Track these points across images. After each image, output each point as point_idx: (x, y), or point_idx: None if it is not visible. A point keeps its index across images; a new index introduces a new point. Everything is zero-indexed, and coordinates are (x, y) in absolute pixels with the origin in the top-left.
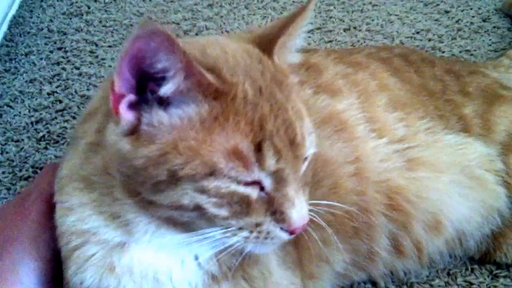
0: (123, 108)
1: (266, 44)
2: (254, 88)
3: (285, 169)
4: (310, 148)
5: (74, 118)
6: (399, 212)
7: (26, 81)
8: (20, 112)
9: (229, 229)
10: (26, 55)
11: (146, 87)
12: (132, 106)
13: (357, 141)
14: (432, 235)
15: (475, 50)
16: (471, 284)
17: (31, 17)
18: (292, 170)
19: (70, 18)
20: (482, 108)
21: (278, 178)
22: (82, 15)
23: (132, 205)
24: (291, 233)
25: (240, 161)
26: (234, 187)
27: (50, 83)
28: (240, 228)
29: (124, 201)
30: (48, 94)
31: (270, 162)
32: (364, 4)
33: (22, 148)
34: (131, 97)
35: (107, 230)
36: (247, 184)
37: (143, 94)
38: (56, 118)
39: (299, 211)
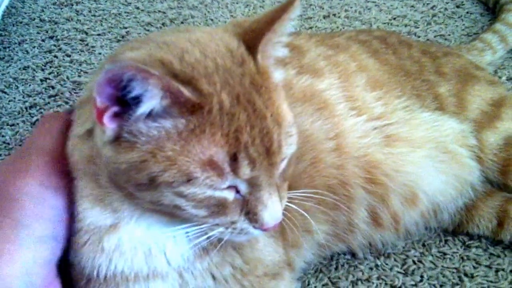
0: (106, 119)
1: (252, 40)
2: (231, 97)
3: (259, 176)
4: (288, 151)
5: (66, 103)
6: (377, 185)
7: (19, 69)
8: (14, 98)
9: (206, 225)
10: (19, 43)
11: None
12: (115, 115)
13: (338, 118)
14: (409, 207)
15: (449, 35)
16: (445, 254)
17: (23, 8)
18: (267, 176)
19: (61, 8)
20: (456, 87)
21: (253, 183)
22: (72, 5)
23: (117, 194)
24: (264, 230)
25: (215, 170)
26: (210, 192)
27: (42, 70)
28: (217, 224)
29: (109, 190)
30: (41, 80)
31: (245, 171)
32: None
33: (17, 132)
34: (114, 108)
35: (95, 213)
36: (223, 189)
37: (124, 106)
38: (49, 103)
39: (271, 213)
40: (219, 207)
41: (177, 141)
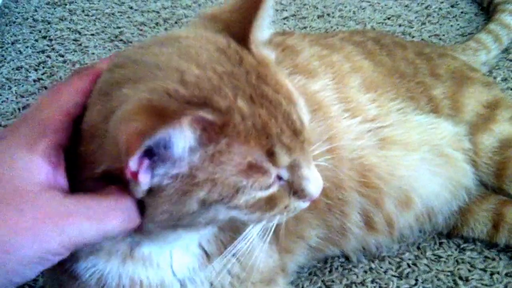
0: (142, 175)
1: (240, 32)
2: (246, 100)
3: (296, 158)
4: (307, 121)
5: None
6: (371, 189)
7: (13, 69)
8: (7, 99)
9: (264, 221)
10: (12, 43)
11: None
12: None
13: (331, 120)
14: (403, 211)
15: (443, 35)
16: (440, 257)
17: (17, 7)
18: (302, 154)
19: (54, 8)
20: (451, 89)
21: (292, 165)
22: (66, 4)
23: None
24: (313, 200)
25: (258, 172)
26: (260, 193)
27: (36, 70)
28: (273, 215)
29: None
30: (34, 81)
31: (284, 159)
32: None
33: None
34: (146, 162)
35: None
36: (270, 185)
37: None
38: None
39: (315, 183)
40: (271, 201)
41: (212, 163)
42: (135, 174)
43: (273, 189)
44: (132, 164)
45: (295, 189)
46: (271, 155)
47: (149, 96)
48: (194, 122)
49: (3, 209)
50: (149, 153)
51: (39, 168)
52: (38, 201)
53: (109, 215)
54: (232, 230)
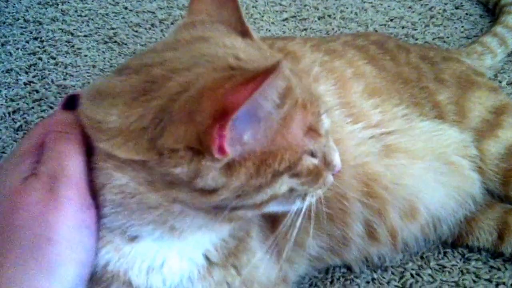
0: (228, 145)
1: (238, 27)
2: (290, 73)
3: (328, 128)
4: None
5: (51, 108)
6: (375, 199)
7: (2, 71)
8: None
9: (309, 194)
10: (2, 45)
11: None
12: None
13: (333, 125)
14: (408, 221)
15: (448, 37)
16: (444, 267)
17: (7, 7)
18: (327, 125)
19: (46, 8)
20: (456, 94)
21: (326, 133)
22: (58, 4)
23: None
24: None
25: (315, 135)
26: (314, 161)
27: (26, 73)
28: (316, 188)
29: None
30: (25, 84)
31: (325, 125)
32: None
33: (0, 138)
34: (229, 133)
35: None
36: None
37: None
38: (33, 108)
39: (338, 154)
40: (317, 171)
41: (284, 127)
42: (221, 145)
43: (318, 158)
44: (226, 130)
45: (328, 161)
46: (319, 117)
47: (217, 72)
48: (274, 86)
49: None
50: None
51: None
52: None
53: None
54: (238, 240)
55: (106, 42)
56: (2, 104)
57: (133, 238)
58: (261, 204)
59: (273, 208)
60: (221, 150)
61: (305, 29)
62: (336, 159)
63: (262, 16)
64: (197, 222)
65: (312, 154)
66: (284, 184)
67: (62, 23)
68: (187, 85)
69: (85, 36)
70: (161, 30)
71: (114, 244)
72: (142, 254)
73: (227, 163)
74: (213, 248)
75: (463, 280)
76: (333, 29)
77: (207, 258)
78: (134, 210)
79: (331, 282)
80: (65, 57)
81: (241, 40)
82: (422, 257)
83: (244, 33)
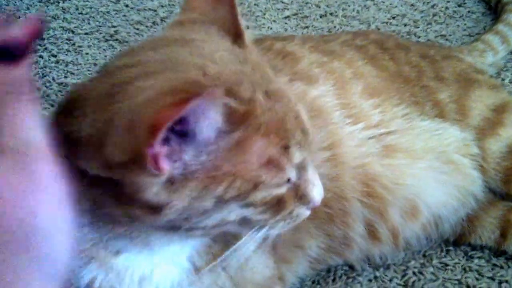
0: (163, 162)
1: (231, 29)
2: (262, 94)
3: (305, 157)
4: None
5: (52, 106)
6: (375, 199)
7: None
8: None
9: (266, 227)
10: None
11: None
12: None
13: (333, 126)
14: (409, 221)
15: (450, 35)
16: (446, 265)
17: (8, 5)
18: (309, 155)
19: (47, 6)
20: (457, 93)
21: (301, 166)
22: (59, 2)
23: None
24: (314, 208)
25: (277, 167)
26: (276, 191)
27: None
28: (277, 221)
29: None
30: None
31: (297, 155)
32: None
33: None
34: (165, 148)
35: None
36: (283, 183)
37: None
38: None
39: (318, 189)
40: (280, 203)
41: (235, 155)
42: (156, 160)
43: (284, 189)
44: (156, 144)
45: (300, 193)
46: (286, 150)
47: (173, 83)
48: (222, 104)
49: None
50: (169, 140)
51: None
52: None
53: None
54: (224, 243)
55: (107, 40)
56: None
57: (117, 252)
58: (214, 227)
59: (234, 230)
60: (157, 165)
61: (307, 27)
62: (314, 194)
63: (264, 14)
64: (163, 238)
65: (277, 185)
66: (232, 212)
67: (63, 21)
68: (140, 91)
69: (86, 34)
70: (163, 28)
71: (98, 258)
72: (131, 265)
73: (170, 181)
74: (196, 254)
75: (465, 278)
76: (335, 27)
77: (193, 263)
78: (107, 222)
79: (333, 280)
80: (66, 55)
81: (228, 47)
82: (424, 255)
83: (237, 36)
